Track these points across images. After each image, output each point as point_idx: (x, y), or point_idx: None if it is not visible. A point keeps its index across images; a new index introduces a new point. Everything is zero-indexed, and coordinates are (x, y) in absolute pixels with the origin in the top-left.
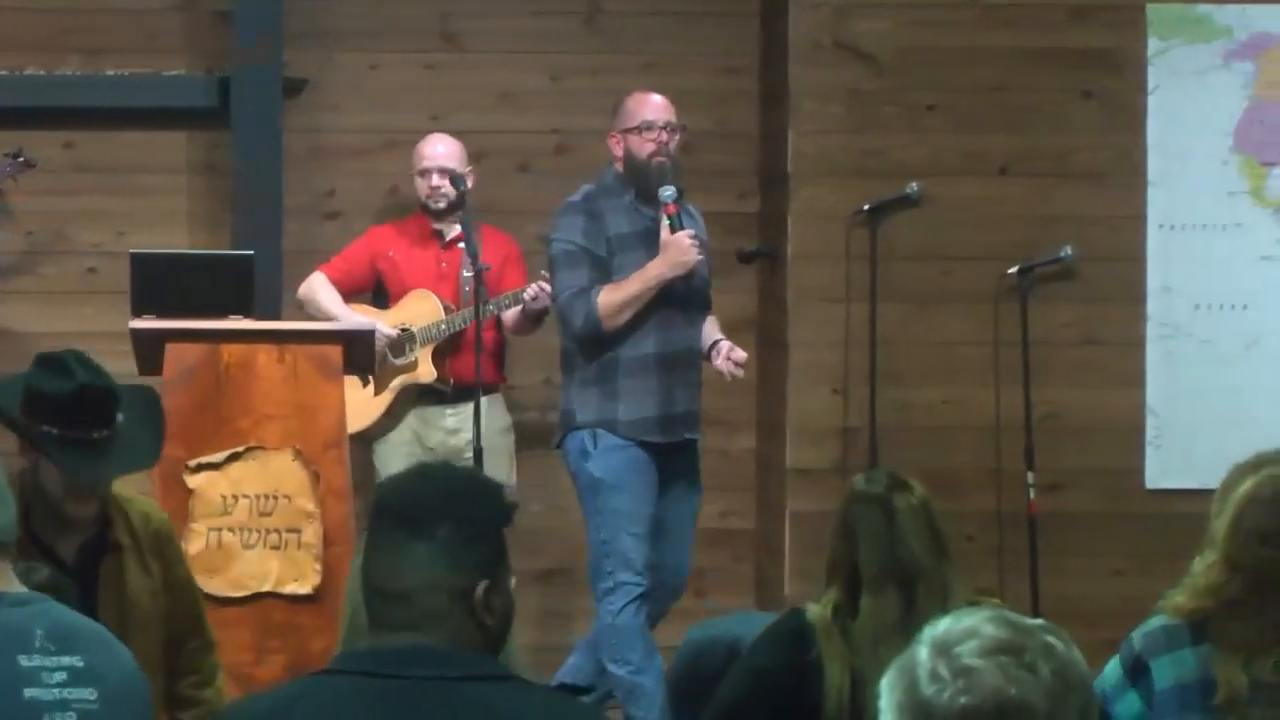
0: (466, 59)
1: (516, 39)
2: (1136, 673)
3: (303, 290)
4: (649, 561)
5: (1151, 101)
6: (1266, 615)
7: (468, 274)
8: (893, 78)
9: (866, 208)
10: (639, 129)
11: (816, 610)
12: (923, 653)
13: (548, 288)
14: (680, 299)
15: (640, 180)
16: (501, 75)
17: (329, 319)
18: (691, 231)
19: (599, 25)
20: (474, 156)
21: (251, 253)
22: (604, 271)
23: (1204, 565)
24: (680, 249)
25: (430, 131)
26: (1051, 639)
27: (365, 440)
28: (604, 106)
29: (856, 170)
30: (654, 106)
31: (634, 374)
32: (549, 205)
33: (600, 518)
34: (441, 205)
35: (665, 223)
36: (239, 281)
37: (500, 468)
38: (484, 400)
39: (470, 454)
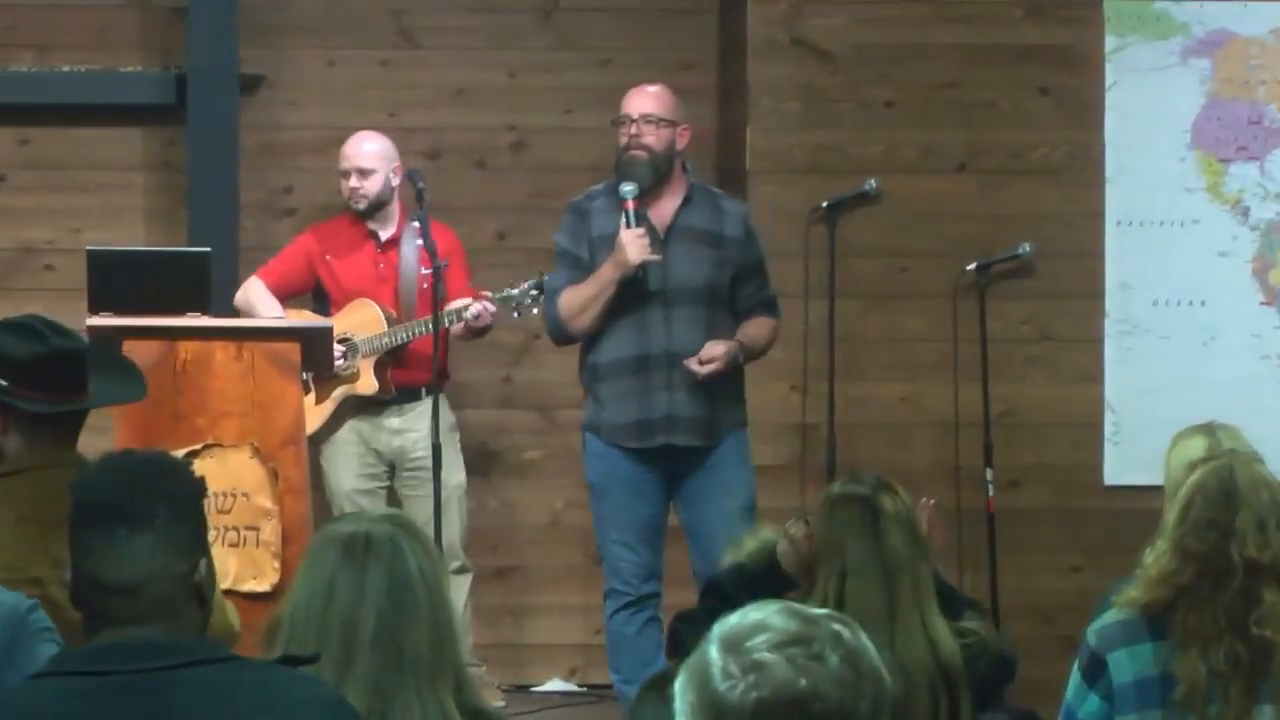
0: (423, 55)
1: (473, 35)
2: (1094, 672)
3: (239, 297)
4: (648, 568)
5: (1109, 98)
6: (1218, 603)
7: (409, 276)
8: (850, 74)
9: (824, 204)
10: (615, 123)
11: None
12: (713, 651)
13: (492, 308)
14: (659, 298)
15: (619, 176)
16: (458, 72)
17: None
18: (641, 230)
19: (556, 22)
20: (430, 153)
21: (209, 249)
22: (585, 273)
23: (1154, 555)
24: (621, 247)
25: (386, 128)
26: (839, 627)
27: (313, 444)
28: (560, 103)
29: (814, 167)
30: (627, 99)
31: (612, 377)
32: (505, 202)
33: (596, 523)
34: (361, 206)
35: (622, 220)
36: (196, 278)
37: (455, 465)
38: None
39: (417, 454)
